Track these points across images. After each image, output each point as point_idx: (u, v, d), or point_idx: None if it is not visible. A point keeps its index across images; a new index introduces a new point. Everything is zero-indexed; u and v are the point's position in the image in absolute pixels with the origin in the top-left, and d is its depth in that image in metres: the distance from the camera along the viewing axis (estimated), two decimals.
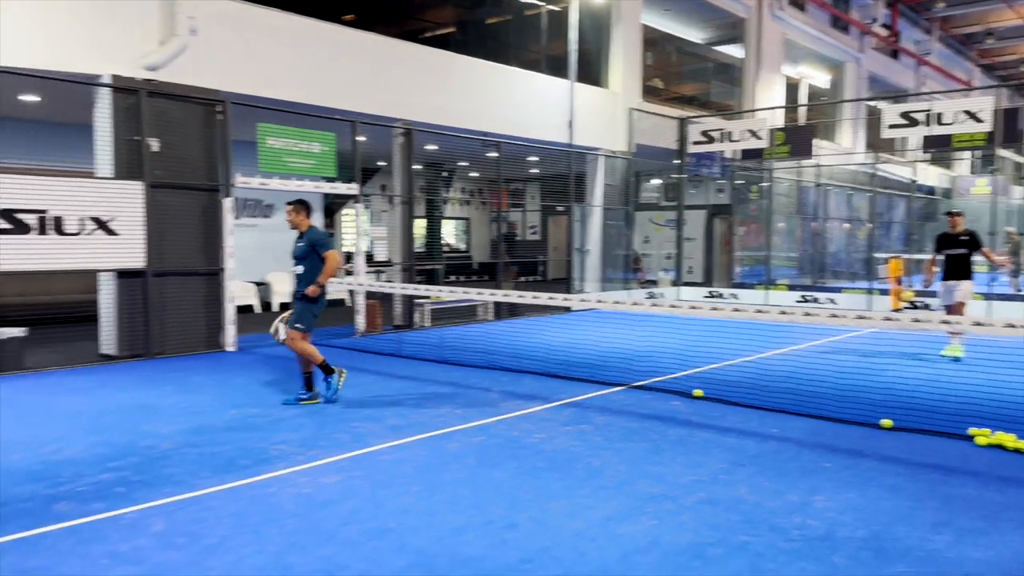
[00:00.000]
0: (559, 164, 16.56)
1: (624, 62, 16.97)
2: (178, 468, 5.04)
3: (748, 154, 17.11)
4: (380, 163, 19.85)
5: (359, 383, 7.95)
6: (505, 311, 14.44)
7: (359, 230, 11.99)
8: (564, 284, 17.41)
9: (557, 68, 15.81)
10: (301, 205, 7.12)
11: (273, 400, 7.11)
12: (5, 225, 8.29)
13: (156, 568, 3.54)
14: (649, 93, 18.33)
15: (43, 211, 8.57)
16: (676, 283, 17.88)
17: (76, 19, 8.93)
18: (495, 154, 15.07)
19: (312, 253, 6.98)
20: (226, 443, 5.65)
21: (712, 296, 17.45)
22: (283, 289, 15.37)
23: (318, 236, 7.06)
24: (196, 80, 9.87)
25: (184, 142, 9.81)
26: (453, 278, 24.91)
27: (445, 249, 24.19)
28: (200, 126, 9.99)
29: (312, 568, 3.55)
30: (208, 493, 4.56)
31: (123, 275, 9.42)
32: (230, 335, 10.24)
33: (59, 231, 8.70)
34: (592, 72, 16.80)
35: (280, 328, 7.10)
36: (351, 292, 16.33)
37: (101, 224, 9.03)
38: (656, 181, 22.50)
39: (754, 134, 15.84)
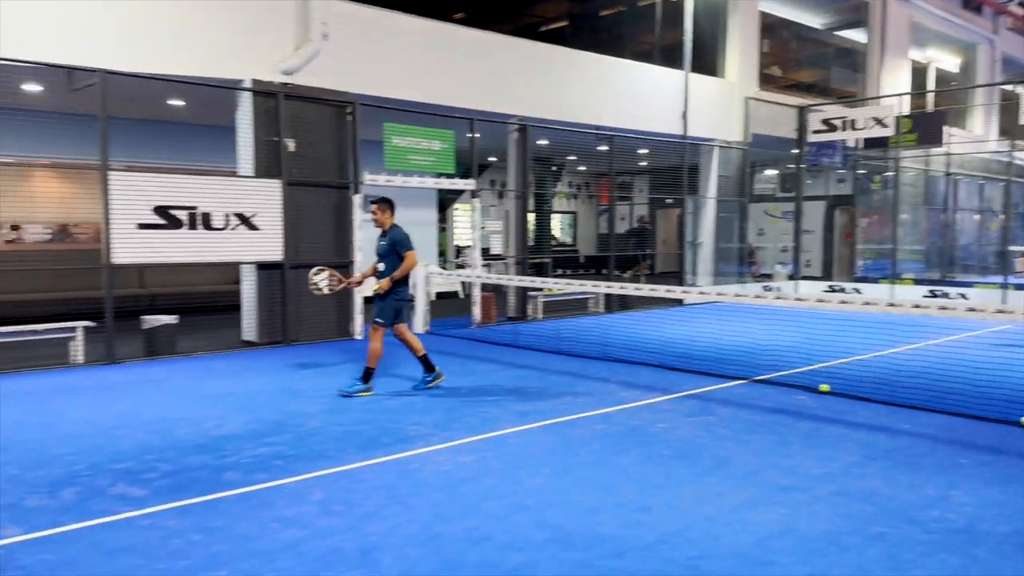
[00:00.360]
0: (670, 156, 16.46)
1: (741, 50, 16.66)
2: (327, 444, 5.45)
3: (872, 143, 16.47)
4: (490, 159, 20.25)
5: (482, 371, 8.27)
6: (616, 304, 14.50)
7: (475, 224, 12.34)
8: (672, 278, 17.29)
9: (671, 59, 15.70)
10: (385, 203, 7.30)
11: (402, 384, 7.50)
12: (160, 221, 9.06)
13: (320, 532, 3.89)
14: (766, 81, 17.90)
15: (193, 208, 9.31)
16: (793, 277, 17.42)
17: (221, 29, 9.63)
18: (605, 147, 15.16)
19: (393, 252, 7.09)
20: (366, 423, 6.04)
21: (833, 291, 16.90)
22: None
23: (399, 236, 7.12)
24: (328, 83, 10.44)
25: (317, 142, 10.40)
26: (559, 271, 25.10)
27: (553, 243, 24.41)
28: (332, 127, 10.57)
29: (460, 537, 3.81)
30: (357, 467, 4.93)
31: (263, 267, 10.11)
32: (358, 324, 10.80)
33: (207, 226, 9.42)
34: (707, 61, 16.57)
35: (321, 282, 7.52)
36: (463, 284, 16.83)
37: (244, 220, 9.72)
38: (770, 171, 21.94)
39: (879, 122, 15.22)
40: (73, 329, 8.70)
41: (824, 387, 7.16)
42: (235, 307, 10.64)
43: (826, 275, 19.44)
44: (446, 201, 21.93)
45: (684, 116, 15.50)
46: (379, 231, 7.35)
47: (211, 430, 5.85)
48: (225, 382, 7.75)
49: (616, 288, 8.77)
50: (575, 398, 6.95)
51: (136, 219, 8.81)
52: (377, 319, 7.10)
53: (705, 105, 15.90)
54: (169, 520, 4.03)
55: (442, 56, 11.79)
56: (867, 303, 6.67)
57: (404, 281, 7.18)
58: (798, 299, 6.88)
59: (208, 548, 3.68)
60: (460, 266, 18.82)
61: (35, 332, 8.53)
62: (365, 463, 5.02)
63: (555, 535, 3.85)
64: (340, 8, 10.51)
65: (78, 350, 8.71)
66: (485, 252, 14.55)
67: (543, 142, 16.62)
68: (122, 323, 8.95)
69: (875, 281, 17.45)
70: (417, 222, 17.15)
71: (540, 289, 13.02)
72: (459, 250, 22.18)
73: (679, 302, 14.90)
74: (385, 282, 7.05)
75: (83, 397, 7.02)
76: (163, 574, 3.40)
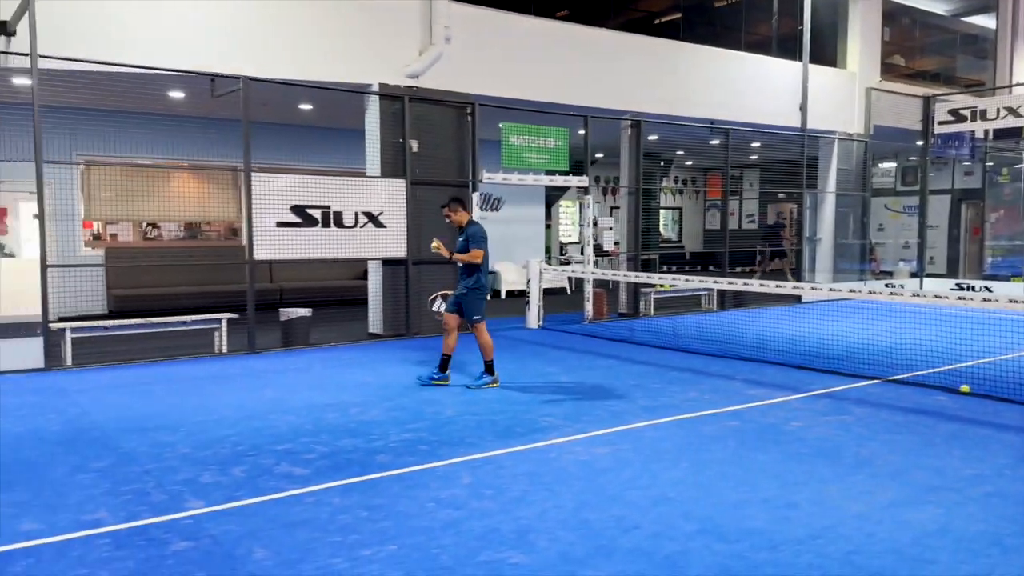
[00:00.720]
0: (784, 149, 16.03)
1: (862, 39, 16.07)
2: (465, 432, 5.68)
3: (1002, 133, 15.58)
4: (597, 155, 20.28)
5: (602, 366, 8.37)
6: (729, 301, 14.28)
7: (587, 221, 12.42)
8: (784, 274, 16.85)
9: (788, 50, 15.31)
10: (456, 203, 7.49)
11: (526, 377, 7.69)
12: (296, 219, 9.58)
13: (475, 513, 4.09)
14: (888, 71, 17.19)
15: (327, 206, 9.80)
16: (916, 275, 16.67)
17: (352, 36, 10.09)
18: (716, 141, 14.94)
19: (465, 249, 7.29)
20: (498, 413, 6.25)
21: (961, 289, 16.08)
22: (511, 278, 16.22)
23: (474, 231, 7.29)
24: (449, 84, 10.76)
25: (439, 142, 10.74)
26: (665, 268, 24.84)
27: (660, 240, 24.17)
28: (452, 127, 10.89)
29: (609, 524, 3.94)
30: (498, 454, 5.13)
31: (388, 263, 10.52)
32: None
33: (338, 224, 9.90)
34: (826, 52, 16.07)
35: (439, 302, 7.66)
36: (570, 280, 16.95)
37: (372, 218, 10.15)
38: (888, 164, 21.02)
39: (1012, 111, 14.40)
40: (218, 320, 9.33)
41: (965, 388, 6.90)
42: (356, 301, 11.12)
43: (951, 272, 18.51)
44: (551, 199, 22.12)
45: (802, 108, 15.10)
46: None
47: (356, 416, 6.19)
48: (359, 372, 8.15)
49: (739, 284, 8.66)
50: (701, 395, 6.96)
51: (275, 217, 9.35)
52: (474, 317, 7.30)
53: (824, 97, 15.43)
54: (334, 497, 4.33)
55: (558, 55, 11.93)
56: (1014, 301, 6.38)
57: (482, 275, 7.32)
58: (937, 296, 6.63)
59: (375, 524, 3.94)
60: (564, 262, 18.94)
61: (184, 323, 9.20)
62: (504, 451, 5.22)
63: (704, 526, 3.92)
64: (461, 11, 10.81)
65: (223, 340, 9.33)
66: (597, 248, 14.60)
67: (652, 137, 16.54)
68: (258, 315, 9.52)
69: (1006, 279, 16.49)
70: (526, 219, 17.45)
71: (653, 285, 12.99)
72: (563, 246, 22.32)
73: (797, 299, 14.55)
74: (451, 253, 7.30)
75: (233, 383, 7.54)
76: (338, 547, 3.67)
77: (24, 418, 6.10)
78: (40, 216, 8.09)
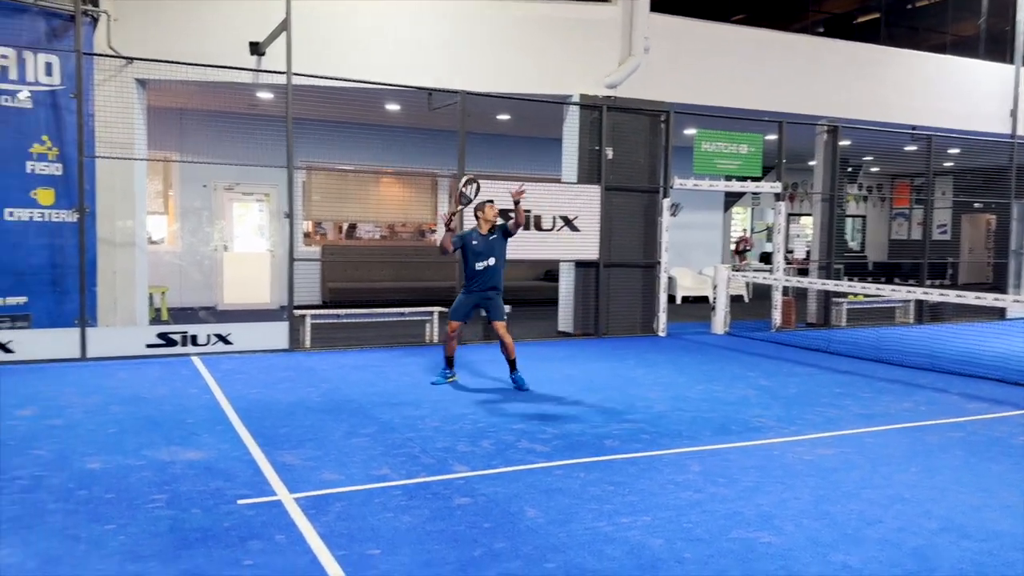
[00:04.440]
0: (988, 157, 15.08)
1: None
2: (680, 426, 5.99)
3: None
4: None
5: (802, 373, 8.40)
6: (926, 314, 13.64)
7: (778, 227, 12.31)
8: (980, 289, 15.78)
9: (996, 52, 14.42)
10: (491, 202, 7.51)
11: (725, 380, 7.88)
12: (499, 222, 10.22)
13: (714, 497, 4.40)
14: None
15: (527, 211, 10.39)
16: None
17: (555, 51, 10.66)
18: (912, 147, 14.32)
19: (503, 243, 7.43)
20: (710, 412, 6.51)
21: None
22: (687, 283, 16.30)
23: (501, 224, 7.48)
24: (645, 93, 11.10)
25: (633, 149, 11.10)
26: (846, 279, 23.82)
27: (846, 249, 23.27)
28: (646, 134, 11.21)
29: (851, 517, 4.12)
30: (720, 448, 5.41)
31: (580, 265, 11.00)
32: (662, 321, 11.34)
33: (538, 227, 10.48)
34: None
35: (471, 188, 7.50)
36: (747, 287, 16.74)
37: (567, 222, 10.66)
38: None
39: None
40: (429, 313, 10.17)
41: None
42: (537, 301, 11.68)
43: None
44: (725, 204, 21.88)
45: (1013, 114, 14.17)
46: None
47: (572, 405, 6.65)
48: (561, 366, 8.65)
49: (952, 296, 8.40)
50: (916, 406, 6.87)
51: None
52: (505, 317, 7.50)
53: None
54: (579, 472, 4.78)
55: (752, 61, 11.96)
56: None
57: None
58: None
59: (623, 498, 4.34)
60: (736, 269, 18.71)
61: (401, 314, 10.10)
62: (725, 445, 5.48)
63: (946, 525, 4.02)
64: (660, 21, 11.11)
65: (433, 330, 10.15)
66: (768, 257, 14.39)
67: (845, 143, 16.05)
68: None
69: None
70: (703, 224, 17.46)
71: (845, 295, 12.68)
72: (740, 251, 21.98)
73: (1000, 314, 13.67)
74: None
75: (457, 371, 8.23)
76: (597, 513, 4.10)
77: (288, 391, 7.04)
78: (289, 215, 9.20)
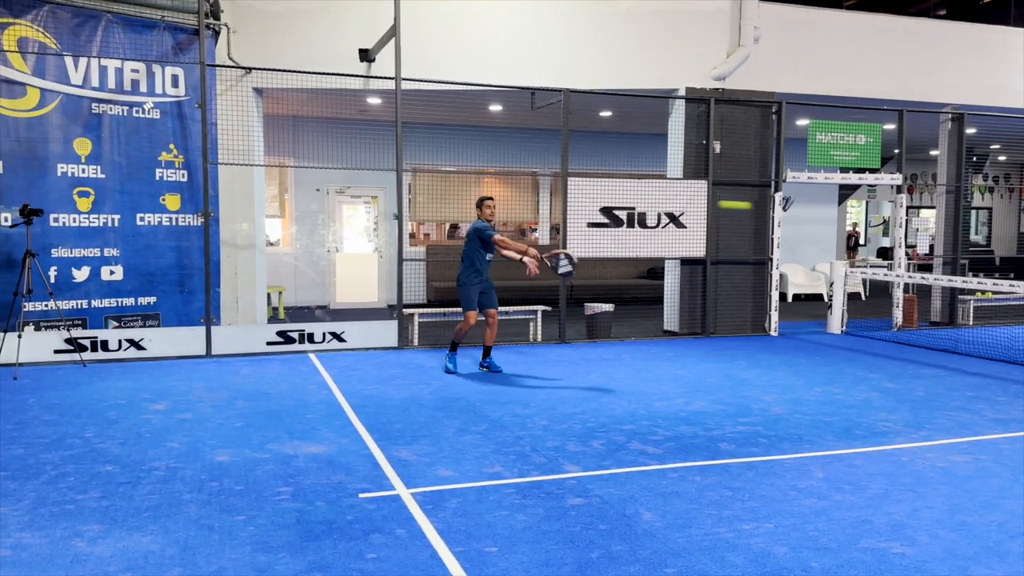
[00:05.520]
0: None
1: None
2: (801, 430, 5.76)
3: None
4: (895, 151, 18.86)
5: (928, 375, 7.94)
6: None
7: (899, 221, 11.68)
8: None
9: None
10: (491, 199, 7.92)
11: (846, 382, 7.53)
12: (605, 220, 10.16)
13: (840, 505, 4.20)
14: None
15: (632, 208, 10.28)
16: None
17: (659, 44, 10.48)
18: None
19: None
20: (831, 415, 6.24)
21: None
22: (799, 280, 15.71)
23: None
24: (755, 84, 10.76)
25: (742, 142, 10.78)
26: (971, 275, 22.40)
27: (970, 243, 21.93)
28: (756, 126, 10.87)
29: (991, 528, 3.85)
30: (844, 453, 5.16)
31: (686, 263, 10.77)
32: (774, 320, 10.96)
33: (642, 224, 10.33)
34: None
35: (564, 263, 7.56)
36: (864, 284, 15.96)
37: (673, 218, 10.46)
38: None
39: None
40: (534, 312, 10.19)
41: None
42: (640, 299, 11.50)
43: None
44: (839, 197, 20.97)
45: None
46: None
47: (683, 406, 6.51)
48: (668, 365, 8.49)
49: None
50: None
51: (586, 218, 10.01)
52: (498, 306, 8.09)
53: None
54: (695, 476, 4.67)
55: (869, 47, 11.40)
56: None
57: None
58: None
59: (743, 503, 4.21)
60: (852, 265, 17.86)
61: (506, 314, 10.15)
62: (849, 451, 5.23)
63: None
64: (769, 10, 10.75)
65: (537, 330, 10.17)
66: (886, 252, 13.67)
67: (970, 131, 15.10)
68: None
69: None
70: (816, 219, 16.80)
71: (973, 292, 11.92)
72: (856, 244, 21.02)
73: None
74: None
75: (556, 368, 8.23)
76: (717, 519, 3.99)
77: (401, 387, 7.21)
78: (399, 217, 9.41)
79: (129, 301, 8.88)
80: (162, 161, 8.98)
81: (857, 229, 18.69)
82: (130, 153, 8.79)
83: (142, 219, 8.91)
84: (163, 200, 9.00)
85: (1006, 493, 4.39)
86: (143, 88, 8.81)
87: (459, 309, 8.02)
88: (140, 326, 8.89)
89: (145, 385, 7.22)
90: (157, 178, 8.96)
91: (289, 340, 9.07)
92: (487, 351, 8.03)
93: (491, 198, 7.95)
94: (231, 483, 4.47)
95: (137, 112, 8.80)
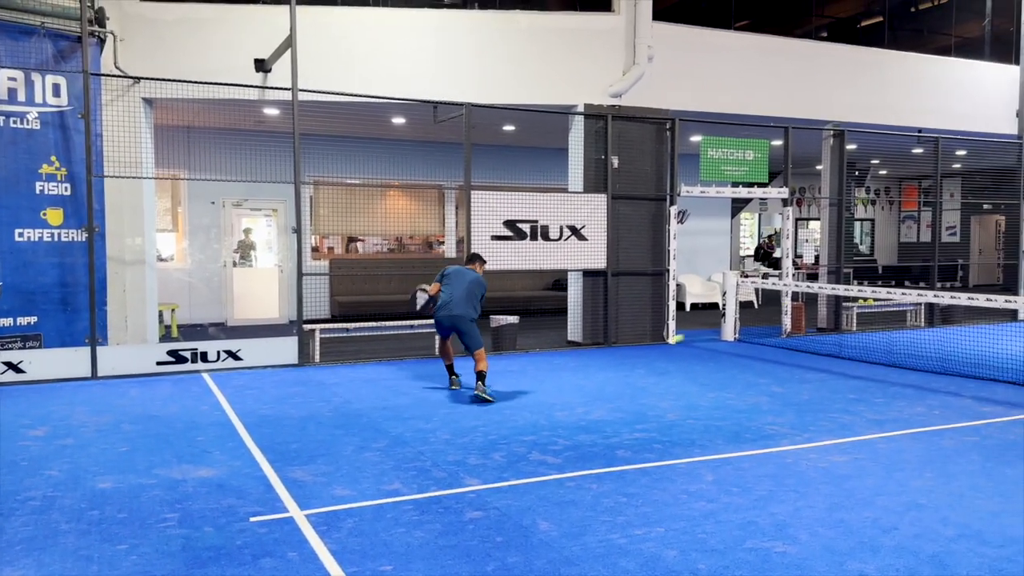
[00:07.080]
0: (995, 158, 15.01)
1: None
2: (693, 435, 5.96)
3: None
4: (782, 166, 19.82)
5: (814, 379, 8.35)
6: (937, 317, 13.56)
7: (786, 233, 12.28)
8: (988, 290, 15.71)
9: (1001, 53, 14.39)
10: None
11: (737, 387, 7.84)
12: (508, 233, 10.26)
13: (728, 507, 4.36)
14: None
15: (535, 220, 10.41)
16: None
17: (559, 62, 10.69)
18: (919, 150, 14.27)
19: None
20: (721, 420, 6.47)
21: None
22: (696, 291, 16.25)
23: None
24: (650, 102, 11.11)
25: (639, 157, 11.10)
26: (856, 282, 23.73)
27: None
28: (652, 142, 11.22)
29: (865, 524, 4.08)
30: (733, 456, 5.37)
31: (588, 274, 10.98)
32: (671, 329, 11.30)
33: (545, 237, 10.48)
34: None
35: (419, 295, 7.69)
36: (756, 292, 16.68)
37: (575, 231, 10.66)
38: None
39: None
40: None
41: None
42: (544, 311, 11.67)
43: None
44: (732, 210, 21.85)
45: (1019, 114, 14.12)
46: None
47: (583, 415, 6.63)
48: (571, 376, 8.62)
49: (963, 299, 8.35)
50: (929, 410, 6.82)
51: (491, 231, 10.07)
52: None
53: None
54: (592, 484, 4.76)
55: (756, 67, 11.97)
56: None
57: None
58: None
59: (636, 509, 4.31)
60: (743, 275, 18.62)
61: (411, 327, 10.09)
62: (738, 454, 5.44)
63: (963, 532, 3.98)
64: (663, 30, 11.13)
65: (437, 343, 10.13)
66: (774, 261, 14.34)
67: (851, 147, 16.03)
68: None
69: None
70: (711, 231, 17.42)
71: (855, 299, 12.62)
72: (742, 259, 21.92)
73: (1012, 316, 13.59)
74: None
75: (461, 381, 8.22)
76: (611, 525, 4.08)
77: (300, 404, 7.05)
78: (297, 231, 9.21)
79: (7, 321, 8.36)
80: (43, 174, 8.51)
81: (773, 242, 19.47)
82: (7, 165, 8.30)
83: (21, 235, 8.42)
84: (44, 215, 8.53)
85: (881, 490, 4.66)
86: (21, 97, 8.34)
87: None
88: (19, 347, 8.37)
89: (23, 411, 6.80)
90: (37, 191, 8.49)
91: (181, 359, 8.72)
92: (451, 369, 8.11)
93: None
94: (113, 511, 4.27)
95: (15, 122, 8.32)
